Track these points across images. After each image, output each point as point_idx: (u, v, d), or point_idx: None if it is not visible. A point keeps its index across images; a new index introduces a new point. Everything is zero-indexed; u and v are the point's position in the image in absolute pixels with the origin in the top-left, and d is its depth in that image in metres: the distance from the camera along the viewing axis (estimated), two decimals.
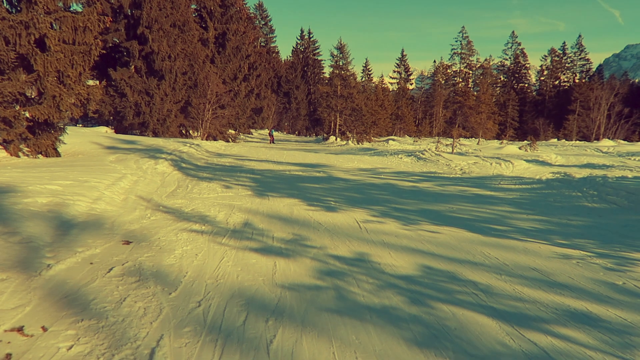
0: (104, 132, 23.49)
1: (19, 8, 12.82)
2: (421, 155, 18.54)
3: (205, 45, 33.94)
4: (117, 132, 26.22)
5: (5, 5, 12.36)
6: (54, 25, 13.85)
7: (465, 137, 26.81)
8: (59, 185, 6.92)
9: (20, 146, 13.97)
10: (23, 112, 13.28)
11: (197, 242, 5.31)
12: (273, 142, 35.98)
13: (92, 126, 27.68)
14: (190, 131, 32.08)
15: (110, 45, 26.71)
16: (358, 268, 4.62)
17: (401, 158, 18.66)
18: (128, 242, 5.16)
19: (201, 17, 35.00)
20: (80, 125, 28.76)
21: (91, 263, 4.38)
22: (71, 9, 14.52)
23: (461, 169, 14.68)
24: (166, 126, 27.13)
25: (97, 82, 27.09)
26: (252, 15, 61.11)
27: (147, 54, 25.93)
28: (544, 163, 15.97)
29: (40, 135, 14.39)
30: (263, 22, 67.28)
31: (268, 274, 4.32)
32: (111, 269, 4.22)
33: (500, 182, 11.96)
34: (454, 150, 19.87)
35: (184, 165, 13.93)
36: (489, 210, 8.17)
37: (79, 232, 5.29)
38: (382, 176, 13.21)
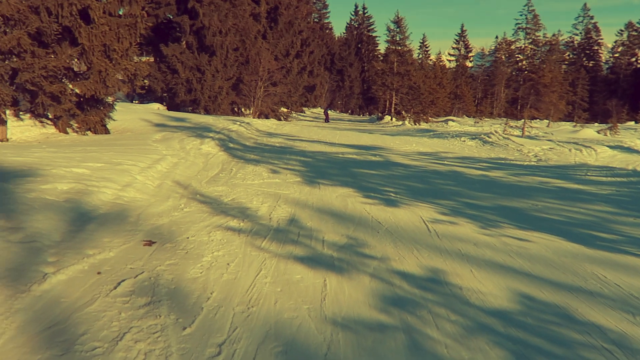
0: (155, 109, 23.28)
1: None
2: (487, 138, 16.87)
3: (257, 20, 33.04)
4: (169, 109, 26.01)
5: None
6: None
7: (534, 118, 24.56)
8: (87, 169, 6.21)
9: (71, 122, 13.71)
10: (70, 88, 12.92)
11: (231, 246, 4.37)
12: (328, 121, 34.90)
13: (147, 102, 27.66)
14: (242, 109, 31.57)
15: (162, 20, 26.34)
16: (433, 294, 3.50)
17: (464, 141, 17.07)
18: (151, 243, 4.30)
19: None
20: (137, 101, 28.82)
21: (99, 273, 3.52)
22: None
23: (535, 156, 13.02)
24: (217, 103, 26.64)
25: (148, 57, 26.97)
26: None
27: (198, 29, 25.35)
28: (630, 150, 13.97)
29: (89, 112, 14.06)
30: None
31: (316, 300, 3.29)
32: (120, 283, 3.34)
33: (586, 173, 10.31)
34: (524, 134, 18.04)
35: (231, 145, 13.16)
36: (583, 210, 6.75)
37: (96, 228, 4.48)
38: (446, 162, 11.86)
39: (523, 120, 22.46)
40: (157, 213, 5.33)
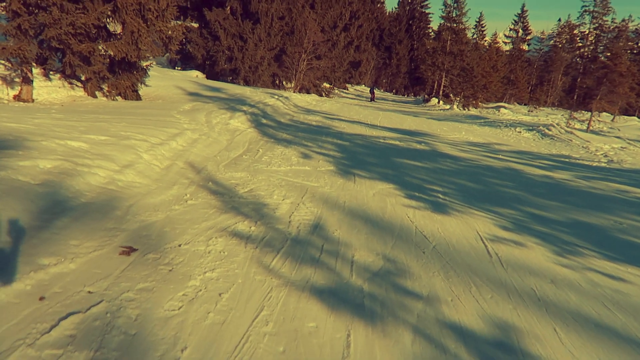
0: (194, 77, 22.52)
1: None
2: (547, 130, 15.16)
3: None
4: (208, 77, 25.23)
5: None
6: None
7: (604, 111, 22.32)
8: (86, 142, 5.33)
9: (102, 86, 13.06)
10: (100, 49, 12.17)
11: (231, 263, 3.36)
12: (373, 100, 33.37)
13: (189, 69, 27.01)
14: (284, 82, 30.48)
15: None
16: None
17: (520, 132, 15.42)
18: (130, 251, 3.35)
19: None
20: (179, 68, 28.22)
21: (41, 298, 2.59)
22: None
23: (605, 155, 11.39)
24: (258, 74, 25.64)
25: (191, 22, 26.13)
26: None
27: None
28: None
29: (120, 76, 13.36)
30: None
31: None
32: (61, 321, 2.40)
33: None
34: (589, 128, 16.20)
35: (264, 121, 12.16)
36: None
37: (67, 224, 3.57)
38: (500, 156, 10.46)
39: (590, 112, 20.38)
40: (153, 205, 4.39)
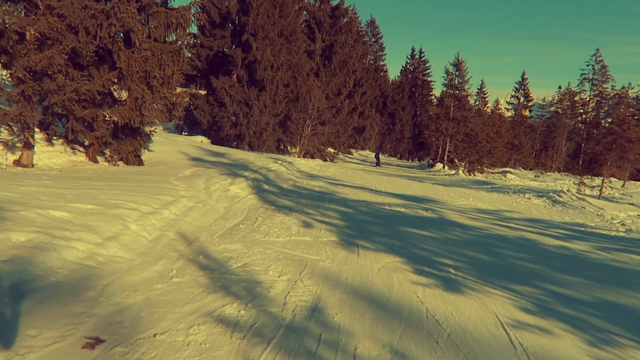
0: (198, 142, 22.64)
1: None
2: (557, 197, 14.75)
3: (311, 57, 32.59)
4: (213, 142, 25.41)
5: None
6: (148, 20, 12.75)
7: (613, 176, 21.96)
8: (70, 211, 4.97)
9: (105, 151, 12.98)
10: (104, 114, 12.19)
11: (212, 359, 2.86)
12: (379, 165, 33.38)
13: (195, 135, 27.28)
14: (288, 147, 30.71)
15: (216, 52, 26.18)
16: None
17: (529, 199, 15.01)
18: (94, 344, 2.88)
19: (309, 28, 33.80)
20: (185, 133, 28.57)
21: None
22: (168, 5, 13.44)
23: (622, 224, 10.88)
24: (262, 140, 25.82)
25: (197, 89, 26.73)
26: (364, 31, 59.60)
27: (250, 62, 24.91)
28: None
29: (123, 141, 13.32)
30: (374, 39, 65.42)
31: None
32: None
33: None
34: (602, 194, 15.78)
35: (265, 187, 11.88)
36: None
37: (31, 308, 3.12)
38: (512, 224, 9.99)
39: (599, 178, 20.04)
40: (133, 284, 3.94)
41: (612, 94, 63.24)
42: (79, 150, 12.69)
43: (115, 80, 12.38)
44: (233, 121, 25.06)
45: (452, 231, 8.47)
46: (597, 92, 63.84)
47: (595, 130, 62.46)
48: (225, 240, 5.88)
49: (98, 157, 12.74)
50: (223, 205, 8.01)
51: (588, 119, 64.63)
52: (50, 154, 12.07)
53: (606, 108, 63.46)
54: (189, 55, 29.48)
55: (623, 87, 63.53)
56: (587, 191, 17.65)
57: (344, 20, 34.55)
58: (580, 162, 62.77)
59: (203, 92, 27.16)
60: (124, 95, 13.40)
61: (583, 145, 63.84)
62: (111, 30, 10.74)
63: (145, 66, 12.26)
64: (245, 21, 24.59)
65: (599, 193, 16.10)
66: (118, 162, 13.00)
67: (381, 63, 67.65)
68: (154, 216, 5.80)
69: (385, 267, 5.48)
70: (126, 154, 13.13)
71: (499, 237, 8.31)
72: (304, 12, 33.56)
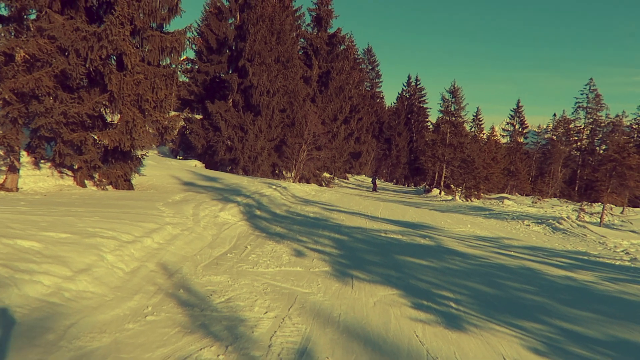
0: (192, 166, 22.35)
1: (101, 20, 11.67)
2: (558, 224, 14.42)
3: (308, 83, 32.63)
4: (207, 167, 25.13)
5: (84, 17, 11.15)
6: (142, 43, 12.61)
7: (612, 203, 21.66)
8: (40, 241, 4.60)
9: (94, 175, 12.65)
10: (92, 137, 11.90)
11: None
12: (375, 190, 33.11)
13: (191, 158, 27.00)
14: (284, 171, 30.44)
15: (213, 77, 26.14)
16: None
17: (529, 226, 14.67)
18: None
19: (306, 55, 33.98)
20: (181, 157, 28.31)
21: None
22: (164, 29, 13.29)
23: (626, 252, 10.52)
24: (257, 164, 25.54)
25: (191, 113, 26.57)
26: (360, 59, 60.23)
27: (246, 87, 24.84)
28: None
29: (113, 165, 13.00)
30: (370, 67, 66.13)
31: None
32: None
33: None
34: (602, 222, 15.47)
35: (257, 213, 11.52)
36: None
37: None
38: (512, 252, 9.63)
39: (595, 204, 19.74)
40: (101, 324, 3.55)
41: (606, 122, 63.75)
42: (66, 174, 12.35)
43: (106, 103, 12.17)
44: (228, 145, 24.83)
45: (451, 260, 8.10)
46: (591, 119, 64.35)
47: (590, 157, 62.85)
48: (210, 271, 5.50)
49: (87, 181, 12.40)
50: (211, 232, 7.63)
51: (583, 146, 65.03)
52: (37, 178, 11.72)
53: (601, 135, 63.90)
54: (186, 80, 29.55)
55: (617, 115, 64.12)
56: (587, 218, 17.35)
57: (341, 48, 34.77)
58: (577, 189, 62.89)
59: (199, 117, 27.01)
60: (116, 118, 13.15)
61: (579, 171, 64.12)
62: (102, 52, 10.52)
63: (138, 89, 12.03)
64: (242, 47, 24.62)
65: (599, 220, 15.79)
66: (107, 187, 12.66)
67: (377, 90, 68.22)
68: (134, 245, 5.42)
69: (382, 301, 5.10)
70: (115, 178, 12.80)
71: (500, 267, 7.94)
72: (301, 40, 33.81)
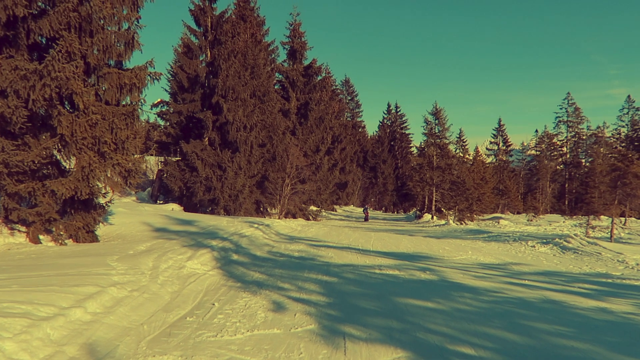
0: (169, 210, 20.96)
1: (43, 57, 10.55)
2: (566, 243, 13.28)
3: (286, 116, 31.78)
4: (186, 209, 23.75)
5: (26, 55, 10.01)
6: (98, 81, 11.53)
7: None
8: None
9: (51, 228, 11.29)
10: (44, 187, 10.58)
11: None
12: (367, 220, 31.90)
13: (171, 202, 25.60)
14: (268, 208, 29.12)
15: (187, 116, 25.07)
16: None
17: (534, 247, 13.51)
18: None
19: (283, 88, 33.29)
20: (161, 201, 26.91)
21: None
22: (123, 66, 12.23)
23: None
24: (239, 203, 24.23)
25: (170, 156, 25.37)
26: (339, 90, 60.09)
27: (222, 124, 23.81)
28: None
29: (73, 216, 11.68)
30: (349, 98, 66.12)
31: None
32: None
33: None
34: (613, 237, 14.41)
35: (234, 257, 10.20)
36: None
37: None
38: (527, 281, 8.41)
39: (592, 217, 18.77)
40: None
41: (588, 134, 64.04)
42: (19, 231, 10.99)
43: (60, 147, 10.98)
44: (206, 185, 23.55)
45: (459, 298, 6.85)
46: (573, 133, 64.62)
47: (575, 170, 62.71)
48: (156, 347, 4.18)
49: (43, 236, 11.04)
50: (171, 289, 6.30)
51: (568, 160, 65.04)
52: None
53: (585, 147, 64.03)
54: (162, 123, 28.45)
55: (598, 127, 64.51)
56: (592, 233, 16.30)
57: (318, 78, 34.19)
58: (567, 203, 62.44)
59: (176, 159, 25.82)
60: (73, 163, 11.89)
61: (567, 185, 63.88)
62: (45, 92, 9.33)
63: (94, 131, 10.84)
64: (215, 83, 23.74)
65: (609, 235, 14.73)
66: (66, 241, 11.29)
67: (359, 119, 68.11)
68: (54, 322, 4.10)
69: None
70: (75, 230, 11.46)
71: (519, 302, 6.70)
72: (277, 74, 33.19)
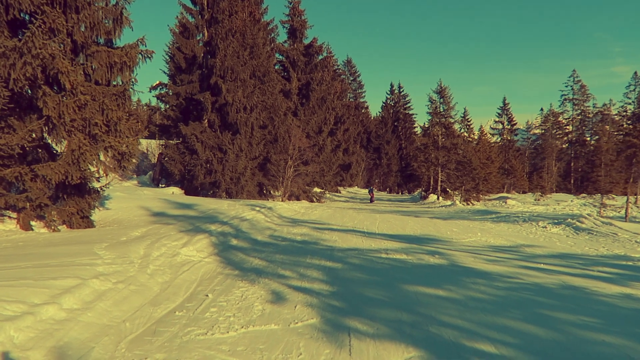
0: (169, 194, 20.51)
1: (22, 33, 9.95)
2: (579, 223, 12.75)
3: (288, 97, 31.07)
4: (187, 193, 23.30)
5: (7, 32, 9.41)
6: (87, 60, 10.94)
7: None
8: None
9: (43, 214, 10.86)
10: (32, 172, 10.08)
11: None
12: (372, 201, 31.44)
13: (174, 185, 25.17)
14: (271, 190, 28.63)
15: (185, 98, 24.43)
16: None
17: (545, 228, 12.98)
18: None
19: (284, 68, 32.52)
20: (163, 185, 26.49)
21: None
22: (114, 44, 11.62)
23: None
24: (240, 185, 23.73)
25: (172, 139, 24.81)
26: (341, 70, 59.04)
27: (221, 105, 23.18)
28: None
29: (66, 201, 11.25)
30: (352, 78, 65.00)
31: None
32: None
33: None
34: (628, 216, 13.86)
35: (234, 242, 9.74)
36: None
37: None
38: (542, 265, 7.91)
39: (601, 196, 18.17)
40: None
41: (594, 112, 62.94)
42: (9, 217, 10.57)
43: (47, 130, 10.48)
44: (207, 168, 23.04)
45: (472, 285, 6.35)
46: (579, 111, 63.53)
47: (581, 149, 61.76)
48: (137, 349, 3.71)
49: (35, 223, 10.63)
50: (161, 279, 5.83)
51: (574, 139, 64.06)
52: None
53: (591, 125, 63.01)
54: (162, 106, 27.84)
55: (604, 105, 63.33)
56: (607, 212, 15.74)
57: (319, 58, 33.36)
58: (572, 181, 61.70)
59: (175, 142, 25.28)
60: (64, 146, 11.39)
61: (572, 164, 63.07)
62: (27, 70, 8.76)
63: (84, 113, 10.30)
64: (213, 64, 23.02)
65: (623, 214, 14.18)
66: (59, 227, 10.87)
67: (361, 100, 67.07)
68: (21, 322, 3.63)
69: None
70: (69, 216, 11.04)
71: (536, 289, 6.20)
72: (277, 54, 32.36)
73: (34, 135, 10.45)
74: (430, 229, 13.70)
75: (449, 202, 26.21)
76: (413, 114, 68.71)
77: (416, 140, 47.32)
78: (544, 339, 4.24)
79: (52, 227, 10.76)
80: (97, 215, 12.21)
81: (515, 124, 66.80)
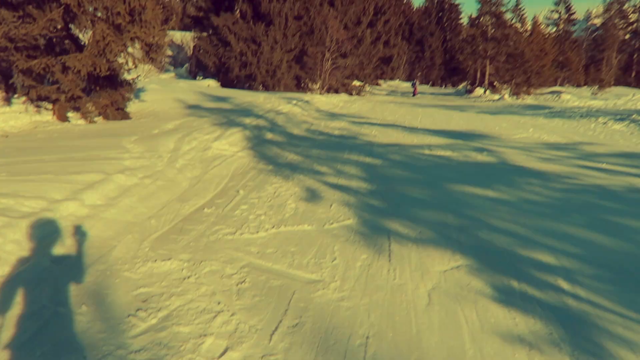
0: (205, 86, 20.07)
1: None
2: None
3: None
4: (223, 85, 22.74)
5: None
6: None
7: None
8: None
9: (80, 106, 10.76)
10: (61, 63, 9.71)
11: None
12: (415, 95, 30.15)
13: (209, 78, 24.64)
14: (309, 83, 27.67)
15: None
16: None
17: (606, 124, 11.89)
18: None
19: None
20: (200, 77, 25.98)
21: None
22: None
23: None
24: (277, 78, 22.91)
25: (198, 31, 23.74)
26: None
27: None
28: None
29: (99, 93, 11.05)
30: None
31: None
32: None
33: None
34: None
35: (268, 136, 9.34)
36: None
37: None
38: (604, 165, 7.17)
39: None
40: None
41: None
42: (46, 109, 10.50)
43: (68, 20, 9.93)
44: (242, 61, 22.18)
45: (526, 186, 5.78)
46: None
47: None
48: (161, 248, 3.46)
49: (71, 114, 10.58)
50: (190, 174, 5.54)
51: (639, 28, 57.91)
52: (7, 116, 9.88)
53: None
54: None
55: None
56: None
57: None
58: (633, 75, 57.02)
59: (206, 35, 24.25)
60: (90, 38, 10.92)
61: (635, 56, 57.77)
62: None
63: (104, 1, 9.62)
64: None
65: None
66: (95, 119, 10.77)
67: None
68: (38, 218, 3.41)
69: (440, 290, 2.96)
70: (103, 108, 10.90)
71: (599, 192, 5.58)
72: None
73: (58, 26, 10.00)
74: (477, 124, 12.84)
75: (496, 97, 24.64)
76: (459, 4, 63.49)
77: (462, 32, 43.85)
78: (611, 249, 3.73)
79: (89, 119, 10.68)
80: (133, 106, 12.05)
81: (573, 14, 60.56)
